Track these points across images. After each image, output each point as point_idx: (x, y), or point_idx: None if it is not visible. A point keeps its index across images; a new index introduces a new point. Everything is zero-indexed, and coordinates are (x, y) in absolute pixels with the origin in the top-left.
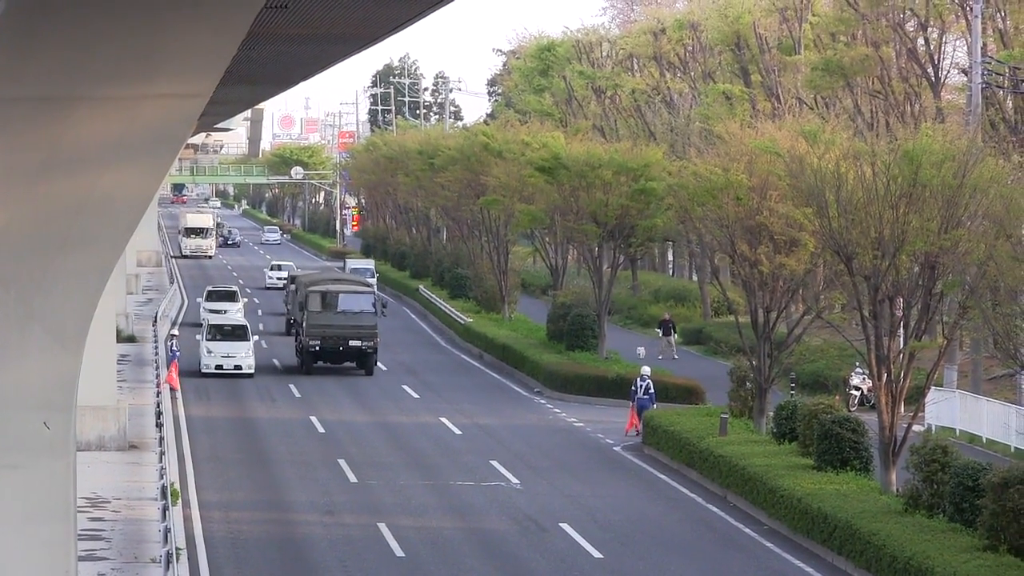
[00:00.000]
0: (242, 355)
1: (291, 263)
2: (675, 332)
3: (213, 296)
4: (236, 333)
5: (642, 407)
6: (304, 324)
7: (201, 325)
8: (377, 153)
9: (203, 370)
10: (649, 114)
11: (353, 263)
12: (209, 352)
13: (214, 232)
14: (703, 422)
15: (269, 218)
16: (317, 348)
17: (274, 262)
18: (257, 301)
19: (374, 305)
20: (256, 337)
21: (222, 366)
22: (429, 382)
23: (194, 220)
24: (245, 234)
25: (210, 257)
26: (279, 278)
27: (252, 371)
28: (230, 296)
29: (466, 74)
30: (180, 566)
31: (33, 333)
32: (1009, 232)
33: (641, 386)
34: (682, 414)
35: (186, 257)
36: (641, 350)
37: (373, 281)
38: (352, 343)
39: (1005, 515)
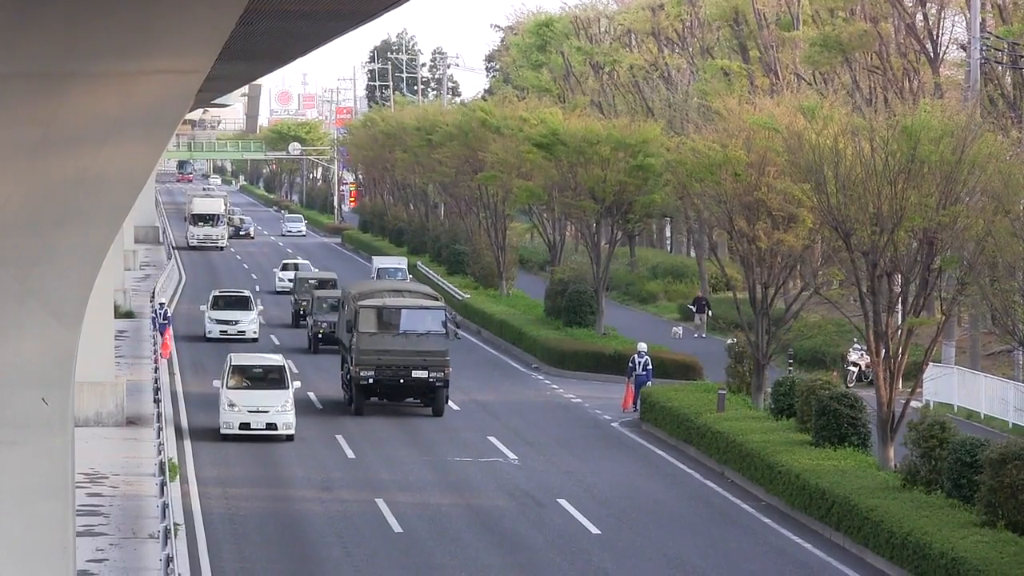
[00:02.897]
0: (277, 408)
1: (307, 261)
2: (709, 310)
3: (220, 303)
4: (269, 378)
5: (640, 383)
6: (354, 349)
7: (205, 338)
8: (375, 129)
9: (223, 430)
10: (647, 90)
11: (382, 261)
12: (231, 406)
13: (225, 219)
14: (701, 398)
15: (267, 194)
16: (371, 380)
17: (286, 260)
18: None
19: (444, 325)
20: (297, 383)
21: (249, 424)
22: None
23: (202, 206)
24: (246, 211)
25: (221, 248)
26: (292, 279)
27: (292, 432)
28: (242, 303)
29: (464, 50)
30: (178, 542)
31: (31, 309)
32: (1007, 208)
33: (639, 362)
34: (680, 390)
35: (193, 248)
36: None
37: (407, 282)
38: (416, 374)
39: (1003, 491)
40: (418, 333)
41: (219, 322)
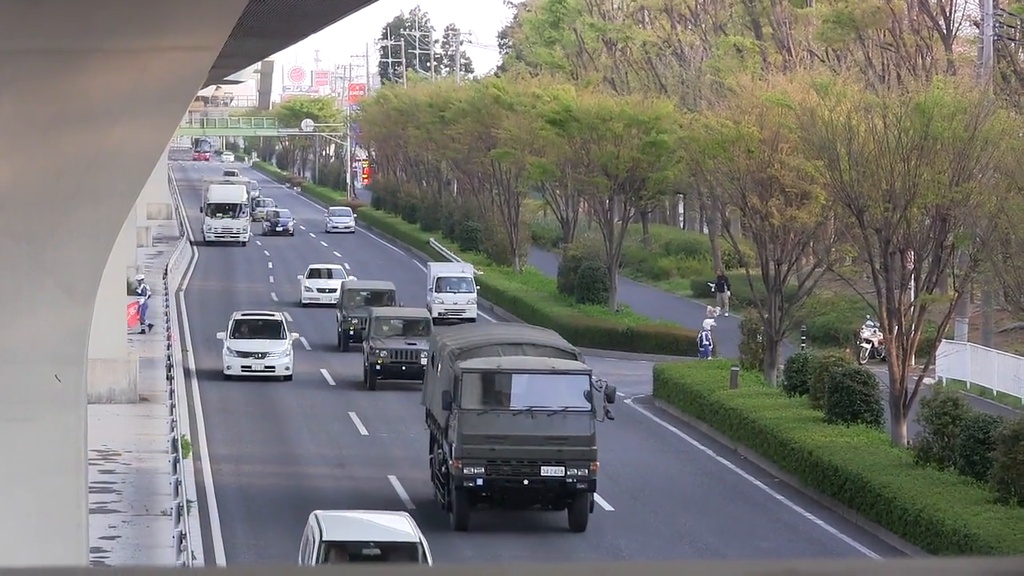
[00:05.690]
0: None
1: (340, 266)
2: (729, 288)
3: (243, 328)
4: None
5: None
6: (455, 434)
7: (224, 376)
8: (387, 106)
9: None
10: (660, 67)
11: (441, 268)
12: None
13: (248, 209)
14: (714, 375)
15: (280, 171)
16: (480, 482)
17: (314, 265)
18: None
19: (588, 396)
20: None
21: None
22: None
23: (220, 194)
24: (259, 187)
25: (243, 244)
26: (323, 289)
27: None
28: (271, 329)
29: (477, 26)
30: (191, 519)
31: (44, 286)
32: (1020, 185)
33: (700, 336)
34: (693, 367)
35: (210, 244)
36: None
37: (473, 296)
38: (547, 472)
39: (1015, 468)
40: (550, 411)
41: (241, 354)
